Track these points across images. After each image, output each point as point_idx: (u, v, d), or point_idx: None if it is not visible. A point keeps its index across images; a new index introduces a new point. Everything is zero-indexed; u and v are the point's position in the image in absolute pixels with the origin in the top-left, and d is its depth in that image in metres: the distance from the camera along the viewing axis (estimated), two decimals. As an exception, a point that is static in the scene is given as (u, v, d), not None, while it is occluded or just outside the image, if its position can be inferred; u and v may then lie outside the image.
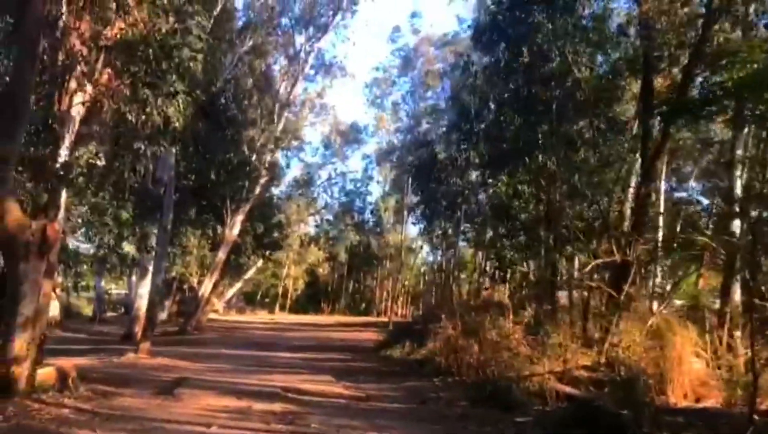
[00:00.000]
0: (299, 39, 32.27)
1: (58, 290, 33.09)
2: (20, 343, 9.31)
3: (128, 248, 21.19)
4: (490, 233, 40.02)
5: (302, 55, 32.01)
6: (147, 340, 18.16)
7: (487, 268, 45.97)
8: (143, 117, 11.13)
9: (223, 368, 16.07)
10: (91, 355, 18.62)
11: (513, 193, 15.17)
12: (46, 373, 10.43)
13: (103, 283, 42.47)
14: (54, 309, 32.56)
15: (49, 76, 10.33)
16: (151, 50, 10.17)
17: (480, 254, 43.99)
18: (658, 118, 13.97)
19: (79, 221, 17.71)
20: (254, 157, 31.20)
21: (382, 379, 14.61)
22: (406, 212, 43.91)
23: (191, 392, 10.93)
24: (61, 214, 11.90)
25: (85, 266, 35.73)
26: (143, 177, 27.13)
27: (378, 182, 60.04)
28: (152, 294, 19.08)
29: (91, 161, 10.47)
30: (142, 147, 11.02)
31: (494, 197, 15.68)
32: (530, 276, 16.60)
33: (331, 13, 31.89)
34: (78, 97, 10.48)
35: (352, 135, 56.58)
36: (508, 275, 22.03)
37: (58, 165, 9.85)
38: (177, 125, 11.95)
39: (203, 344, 24.38)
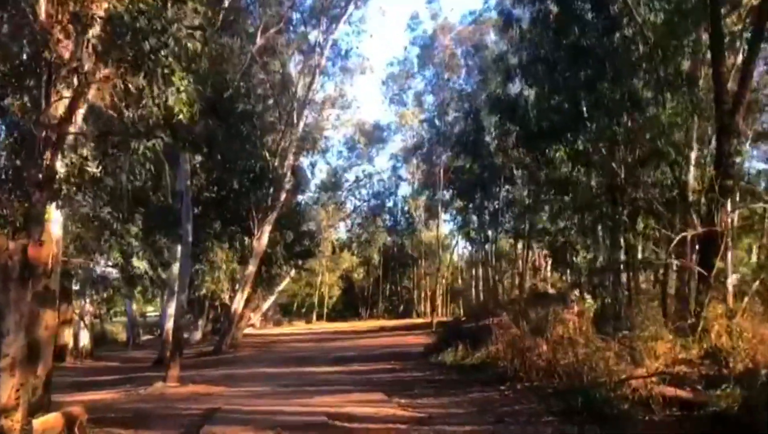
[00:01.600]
0: (313, 34, 30.63)
1: (87, 319, 32.12)
2: (6, 390, 7.63)
3: (138, 264, 19.58)
4: (531, 221, 38.20)
5: (318, 49, 30.30)
6: (175, 366, 16.51)
7: (530, 257, 43.96)
8: (138, 110, 9.43)
9: (259, 391, 14.36)
10: (118, 387, 17.15)
11: (572, 165, 13.18)
12: (48, 422, 8.73)
13: (134, 307, 41.50)
14: (84, 339, 31.60)
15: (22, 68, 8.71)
16: (138, 24, 8.44)
17: (520, 244, 41.93)
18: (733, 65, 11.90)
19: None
20: (277, 162, 29.57)
21: (440, 391, 12.73)
22: (440, 207, 41.87)
23: (221, 430, 9.17)
24: (57, 232, 10.33)
25: (111, 291, 34.88)
26: (155, 190, 26.08)
27: (405, 179, 58.18)
28: (177, 314, 17.47)
29: (83, 166, 8.71)
30: (138, 145, 9.26)
31: (551, 171, 13.64)
32: (594, 260, 14.51)
33: (343, 3, 30.15)
34: (62, 92, 8.86)
35: (375, 134, 54.76)
36: (565, 261, 19.87)
37: (38, 173, 8.17)
38: (182, 117, 10.20)
39: (238, 363, 22.77)
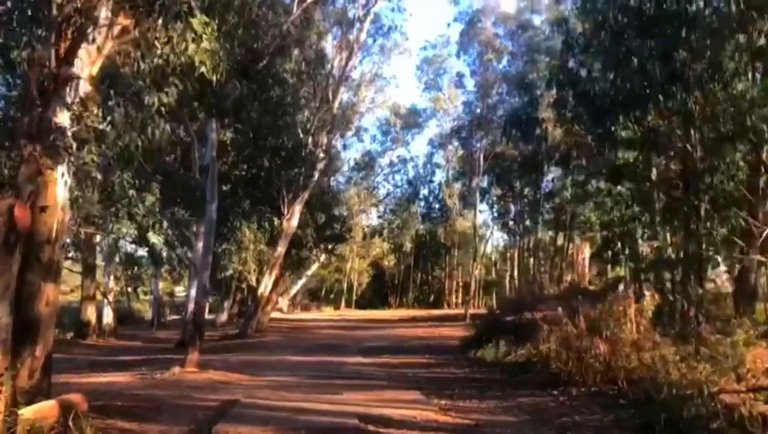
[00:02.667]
0: (352, 8, 29.17)
1: (111, 296, 31.42)
2: (-17, 376, 6.45)
3: (154, 238, 18.42)
4: (573, 212, 36.53)
5: (357, 24, 28.89)
6: (195, 350, 15.38)
7: (570, 250, 42.26)
8: (153, 59, 8.18)
9: (283, 382, 13.14)
10: (134, 369, 16.12)
11: (640, 146, 11.60)
12: (41, 411, 7.59)
13: (161, 285, 40.89)
14: (107, 316, 30.90)
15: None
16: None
17: (561, 235, 40.30)
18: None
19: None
20: (310, 140, 28.31)
21: (484, 393, 11.35)
22: (477, 194, 40.30)
23: (236, 430, 7.91)
24: (63, 195, 9.15)
25: (137, 268, 34.16)
26: (185, 167, 25.06)
27: (440, 166, 56.65)
28: (199, 295, 16.33)
29: (83, 117, 7.48)
30: (151, 99, 8.00)
31: (616, 151, 12.06)
32: (661, 252, 12.93)
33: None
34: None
35: (411, 119, 53.21)
36: (616, 256, 18.28)
37: (32, 123, 6.97)
38: (204, 71, 8.94)
39: (263, 349, 21.66)
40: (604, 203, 20.24)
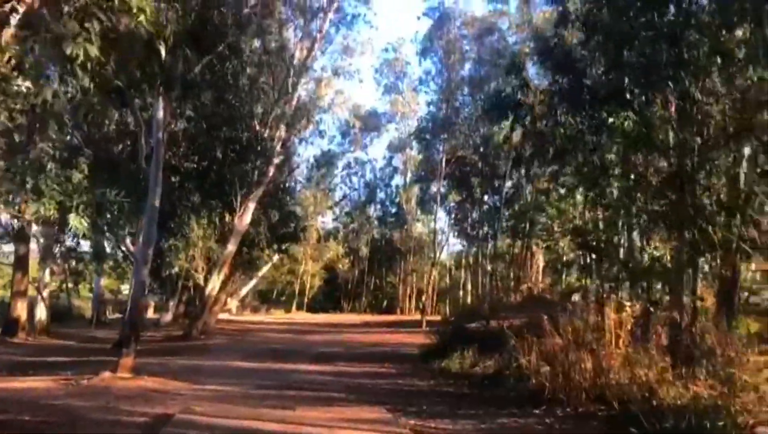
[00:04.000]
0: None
1: (46, 292, 29.16)
2: None
3: (76, 222, 16.50)
4: (533, 219, 35.75)
5: (321, 14, 27.48)
6: (129, 353, 13.68)
7: (528, 258, 41.49)
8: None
9: (228, 392, 11.62)
10: (61, 372, 14.34)
11: (635, 141, 10.50)
12: None
13: (103, 282, 38.66)
14: (40, 313, 28.65)
15: None
16: None
17: (519, 243, 39.54)
18: None
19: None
20: (266, 133, 26.76)
21: (456, 410, 10.06)
22: (438, 198, 39.22)
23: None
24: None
25: (75, 263, 31.89)
26: (132, 159, 23.29)
27: (398, 170, 55.66)
28: (137, 292, 14.63)
29: None
30: (73, 50, 6.48)
31: (606, 146, 10.93)
32: (657, 260, 11.89)
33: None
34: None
35: (371, 121, 52.06)
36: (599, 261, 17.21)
37: None
38: (143, 19, 7.46)
39: (208, 353, 20.03)
40: (574, 207, 19.35)
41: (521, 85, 13.36)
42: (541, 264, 45.52)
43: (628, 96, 9.90)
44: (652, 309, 11.92)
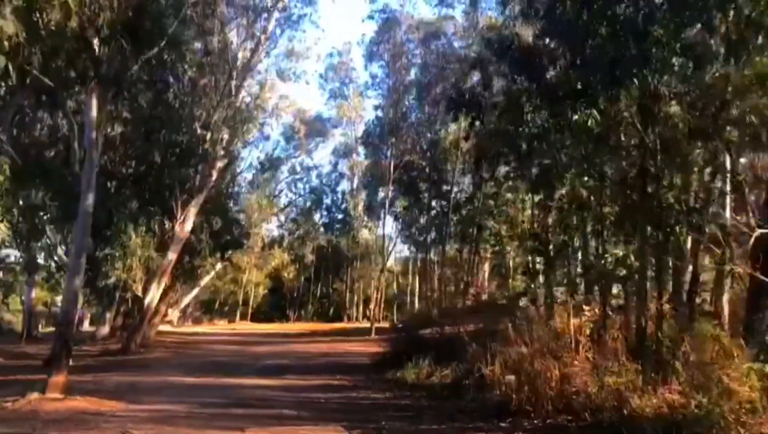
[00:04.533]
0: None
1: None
2: None
3: None
4: (480, 224, 35.60)
5: (264, 14, 26.61)
6: (61, 371, 12.59)
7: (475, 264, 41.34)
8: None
9: (170, 412, 10.71)
10: (-16, 393, 13.10)
11: (597, 137, 10.07)
12: None
13: (38, 294, 36.74)
14: (-41, 327, 26.78)
15: None
16: None
17: (466, 249, 39.30)
18: None
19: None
20: (208, 136, 25.69)
21: (419, 426, 9.45)
22: (387, 204, 38.62)
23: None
24: None
25: (2, 274, 30.10)
26: (65, 164, 22.00)
27: (345, 175, 54.93)
28: (69, 304, 13.50)
29: None
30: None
31: (574, 142, 10.47)
32: (623, 261, 11.47)
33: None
34: None
35: (316, 126, 51.17)
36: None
37: None
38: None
39: (148, 367, 18.90)
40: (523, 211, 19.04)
41: (484, 82, 12.84)
42: (487, 270, 45.67)
43: (591, 93, 9.51)
44: (611, 313, 11.61)
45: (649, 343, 9.54)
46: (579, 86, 10.10)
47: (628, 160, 10.58)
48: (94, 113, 13.04)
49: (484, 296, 37.12)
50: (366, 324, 40.89)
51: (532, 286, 26.45)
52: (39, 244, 20.99)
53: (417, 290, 49.69)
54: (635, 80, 8.86)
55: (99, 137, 14.00)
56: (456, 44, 33.83)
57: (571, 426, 8.62)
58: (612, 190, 10.98)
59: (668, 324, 9.79)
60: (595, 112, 9.46)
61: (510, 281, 42.34)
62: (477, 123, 14.70)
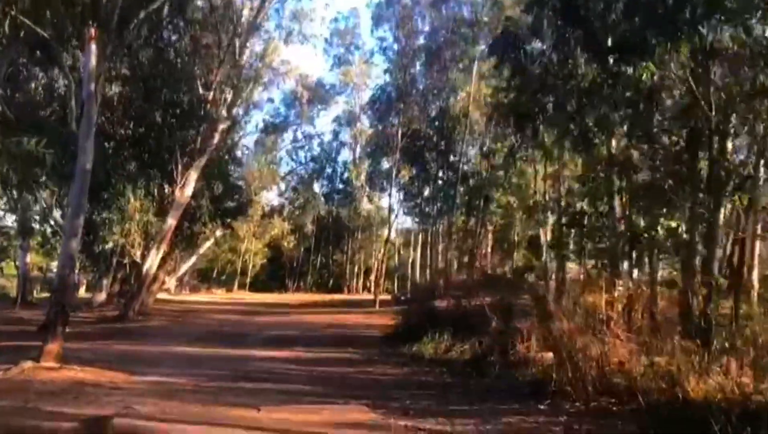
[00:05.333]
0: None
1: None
2: None
3: None
4: (488, 195, 34.72)
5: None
6: (56, 338, 11.74)
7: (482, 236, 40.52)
8: None
9: (175, 385, 9.87)
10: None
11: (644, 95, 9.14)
12: None
13: (33, 259, 35.96)
14: (-47, 291, 25.96)
15: None
16: None
17: (473, 220, 38.46)
18: None
19: None
20: (211, 96, 24.63)
21: (446, 405, 8.63)
22: (394, 172, 37.55)
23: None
24: None
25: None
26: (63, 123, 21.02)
27: (347, 144, 53.79)
28: (65, 268, 12.61)
29: None
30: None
31: (625, 99, 9.54)
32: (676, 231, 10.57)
33: None
34: None
35: (319, 93, 49.84)
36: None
37: None
38: None
39: (147, 336, 18.07)
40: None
41: (534, 27, 11.73)
42: (491, 242, 44.94)
43: (646, 45, 8.53)
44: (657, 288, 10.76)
45: (705, 320, 8.68)
46: (632, 37, 9.12)
47: (680, 122, 9.65)
48: (93, 62, 12.02)
49: (488, 270, 36.56)
50: (367, 296, 40.21)
51: (541, 260, 25.59)
52: (33, 199, 19.99)
53: (418, 262, 48.94)
54: (701, 27, 7.87)
55: (98, 91, 13.03)
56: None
57: (621, 410, 7.80)
58: (662, 154, 10.11)
59: (716, 302, 8.97)
60: (650, 64, 8.48)
61: (514, 254, 41.77)
62: (517, 77, 13.62)
